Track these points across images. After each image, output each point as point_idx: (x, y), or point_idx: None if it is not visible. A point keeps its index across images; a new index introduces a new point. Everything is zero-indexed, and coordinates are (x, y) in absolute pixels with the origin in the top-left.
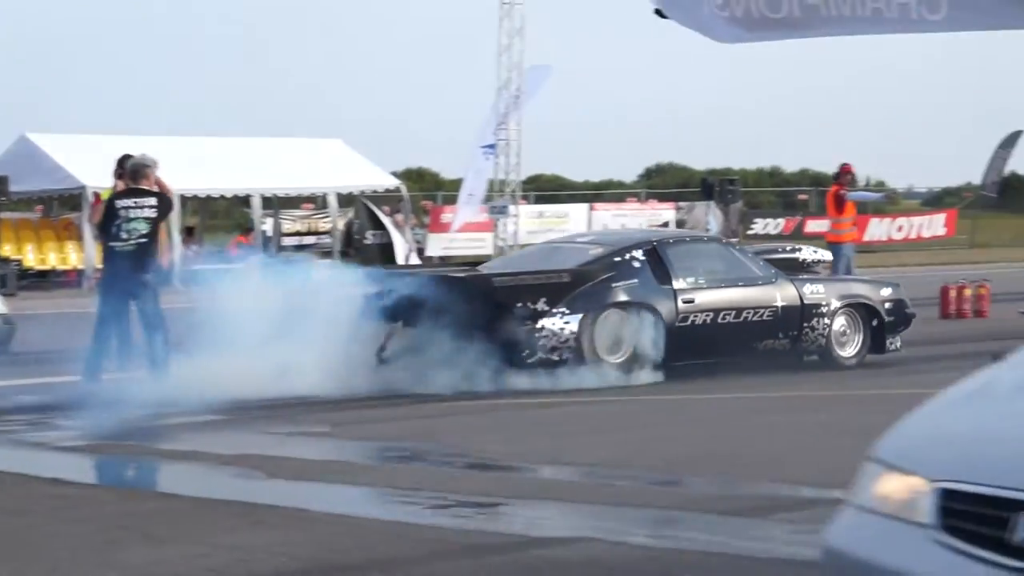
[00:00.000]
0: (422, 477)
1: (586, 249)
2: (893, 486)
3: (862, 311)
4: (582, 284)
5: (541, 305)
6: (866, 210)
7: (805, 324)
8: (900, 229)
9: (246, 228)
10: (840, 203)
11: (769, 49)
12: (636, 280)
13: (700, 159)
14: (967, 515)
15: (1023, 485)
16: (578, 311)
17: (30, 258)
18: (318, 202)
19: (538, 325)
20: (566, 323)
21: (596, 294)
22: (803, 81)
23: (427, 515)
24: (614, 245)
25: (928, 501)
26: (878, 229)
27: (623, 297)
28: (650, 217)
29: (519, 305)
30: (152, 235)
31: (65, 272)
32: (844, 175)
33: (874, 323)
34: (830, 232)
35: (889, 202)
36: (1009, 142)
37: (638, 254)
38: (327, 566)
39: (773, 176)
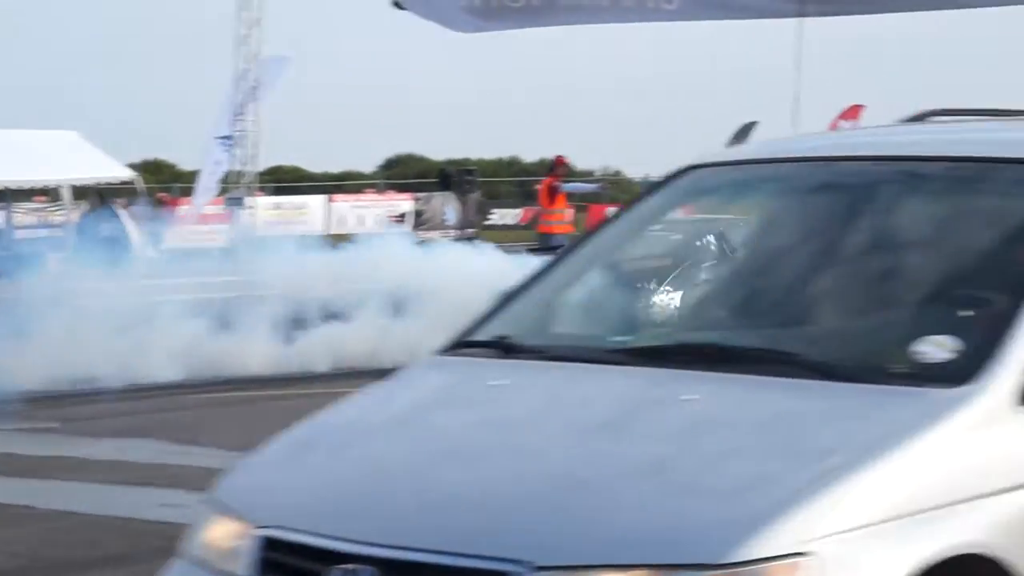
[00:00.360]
0: (152, 472)
1: (666, 236)
2: (220, 532)
3: None
4: (677, 266)
5: (652, 284)
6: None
7: None
8: None
9: None
10: (553, 194)
11: (508, 38)
12: (715, 262)
13: (439, 149)
14: (286, 568)
15: (341, 533)
16: (678, 289)
17: None
18: (52, 194)
19: (651, 302)
20: (671, 299)
21: (688, 274)
22: (542, 70)
23: (156, 510)
24: (687, 231)
25: (249, 551)
26: None
27: (707, 276)
28: (388, 208)
29: (638, 285)
30: None
31: None
32: (558, 167)
33: None
34: (541, 223)
35: (619, 190)
36: (742, 133)
37: (712, 238)
38: (52, 563)
39: (512, 166)
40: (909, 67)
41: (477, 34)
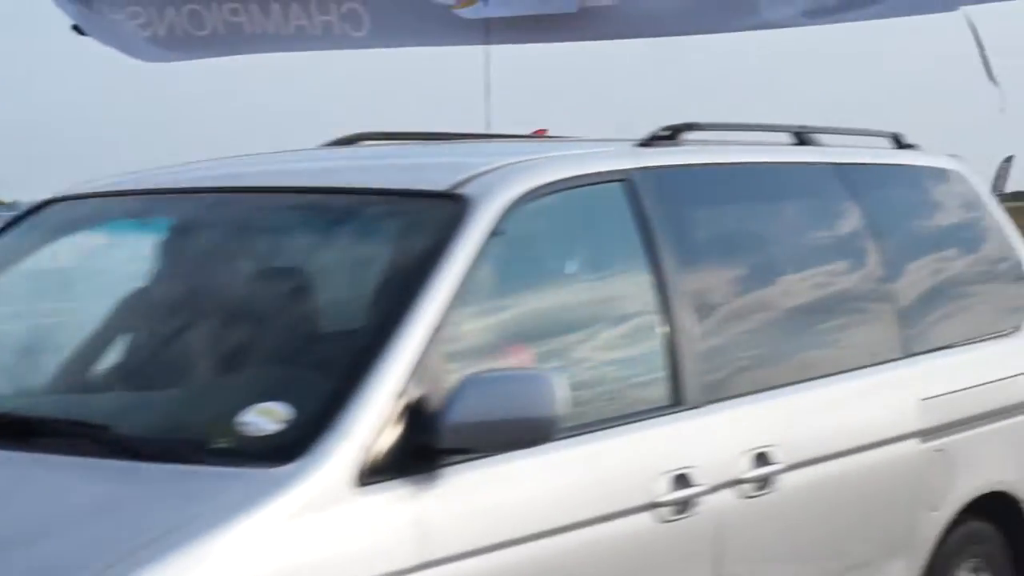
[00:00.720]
0: None
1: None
2: None
3: None
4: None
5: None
6: None
7: None
8: None
9: None
10: None
11: (200, 65)
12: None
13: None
14: None
15: None
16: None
17: None
18: None
19: None
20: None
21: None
22: (234, 98)
23: None
24: None
25: None
26: None
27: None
28: None
29: None
30: None
31: None
32: None
33: None
34: None
35: None
36: None
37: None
38: None
39: None
40: (597, 92)
41: (165, 64)
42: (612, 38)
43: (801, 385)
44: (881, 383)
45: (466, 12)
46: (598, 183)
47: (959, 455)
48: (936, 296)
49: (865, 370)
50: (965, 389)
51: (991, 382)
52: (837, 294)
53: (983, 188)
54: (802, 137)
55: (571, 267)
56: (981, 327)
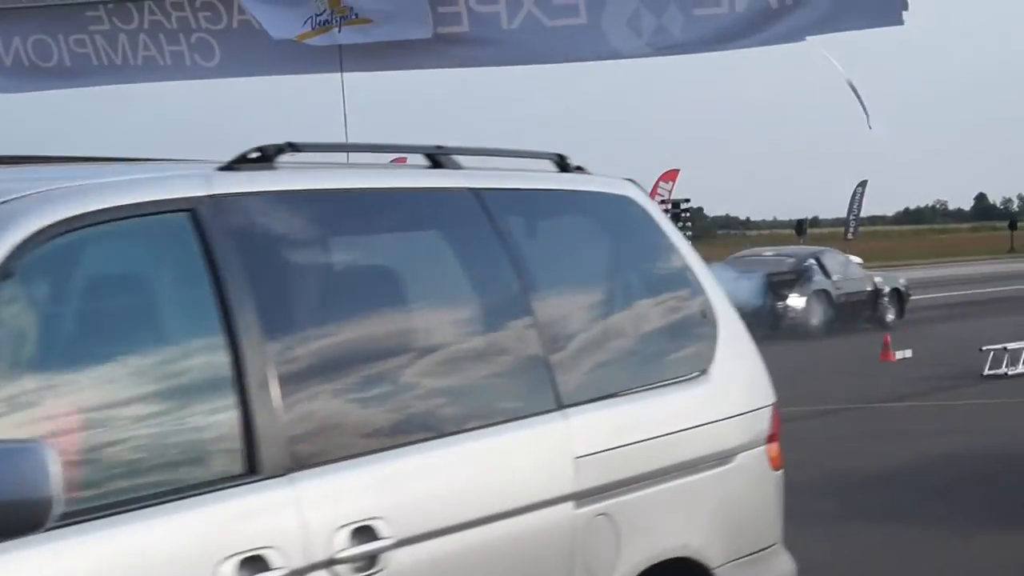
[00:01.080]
0: None
1: (783, 259)
2: None
3: None
4: (798, 279)
5: (786, 291)
6: None
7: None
8: None
9: None
10: None
11: (48, 97)
12: (819, 276)
13: None
14: None
15: None
16: (802, 295)
17: None
18: None
19: (788, 303)
20: (799, 301)
21: (806, 284)
22: (103, 130)
23: None
24: (798, 255)
25: None
26: None
27: (817, 286)
28: None
29: (781, 291)
30: None
31: None
32: None
33: None
34: None
35: None
36: None
37: (812, 261)
38: None
39: None
40: (454, 118)
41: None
42: (466, 65)
43: (422, 446)
44: (526, 440)
45: (319, 40)
46: (151, 214)
47: (629, 518)
48: (601, 339)
49: (506, 426)
50: (635, 443)
51: (669, 434)
52: (472, 340)
53: (662, 217)
54: (437, 160)
55: (116, 316)
56: (660, 372)
